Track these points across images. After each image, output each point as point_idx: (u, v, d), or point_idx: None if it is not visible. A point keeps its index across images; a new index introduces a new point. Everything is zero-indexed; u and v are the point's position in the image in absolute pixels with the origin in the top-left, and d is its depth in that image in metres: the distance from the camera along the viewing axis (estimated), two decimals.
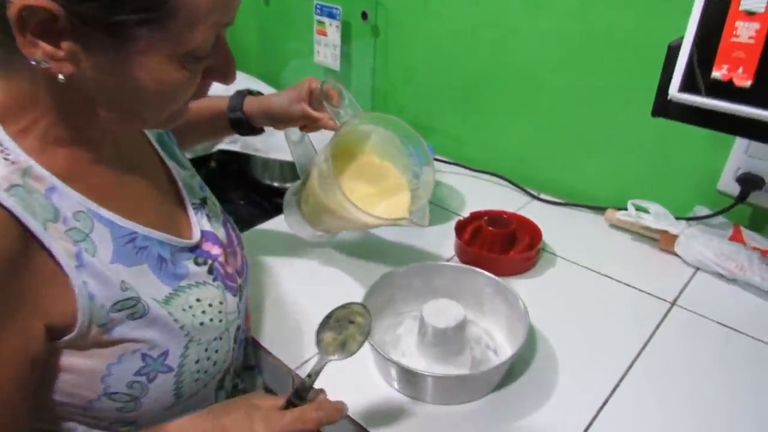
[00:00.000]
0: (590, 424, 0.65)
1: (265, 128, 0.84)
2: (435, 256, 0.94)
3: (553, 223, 1.01)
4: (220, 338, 0.60)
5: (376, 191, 0.79)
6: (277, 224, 1.01)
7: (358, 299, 0.66)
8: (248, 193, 1.43)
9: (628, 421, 0.66)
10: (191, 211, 0.66)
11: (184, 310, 0.56)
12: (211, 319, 0.59)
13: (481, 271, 0.78)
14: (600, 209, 1.04)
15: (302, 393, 0.55)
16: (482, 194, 1.13)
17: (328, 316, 0.60)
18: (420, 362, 0.71)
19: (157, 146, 0.67)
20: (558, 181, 1.13)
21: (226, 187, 1.39)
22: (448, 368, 0.70)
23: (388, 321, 0.78)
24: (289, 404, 0.54)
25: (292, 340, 0.77)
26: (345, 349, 0.58)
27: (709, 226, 0.94)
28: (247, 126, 0.82)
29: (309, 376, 0.56)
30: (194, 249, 0.62)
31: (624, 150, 1.03)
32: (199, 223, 0.65)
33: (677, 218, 0.94)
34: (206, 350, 0.58)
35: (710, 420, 0.66)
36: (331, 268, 0.91)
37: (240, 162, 1.43)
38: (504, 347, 0.75)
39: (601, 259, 0.93)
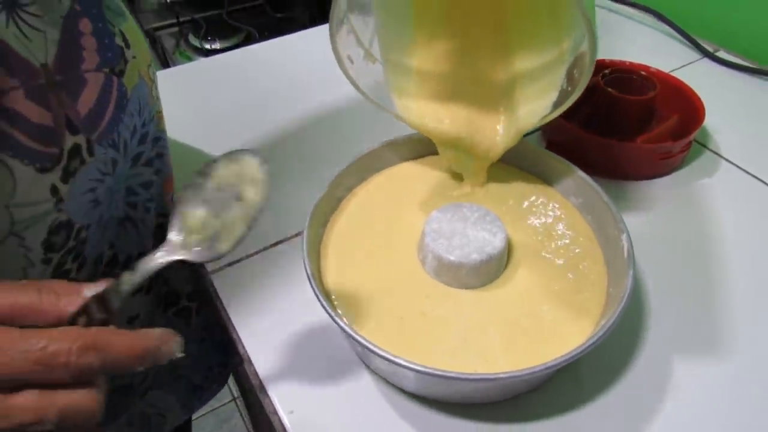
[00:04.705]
0: None
1: None
2: None
3: (731, 99, 0.60)
4: None
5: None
6: None
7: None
8: None
9: None
10: None
11: None
12: None
13: (569, 164, 0.43)
14: None
15: (109, 300, 0.27)
16: (624, 39, 0.71)
17: (204, 174, 0.31)
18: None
19: None
20: (754, 30, 0.68)
21: None
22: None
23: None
24: (83, 314, 0.26)
25: None
26: (214, 245, 0.30)
27: None
28: None
29: (132, 270, 0.29)
30: None
31: None
32: None
33: None
34: None
35: None
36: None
37: None
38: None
39: None
